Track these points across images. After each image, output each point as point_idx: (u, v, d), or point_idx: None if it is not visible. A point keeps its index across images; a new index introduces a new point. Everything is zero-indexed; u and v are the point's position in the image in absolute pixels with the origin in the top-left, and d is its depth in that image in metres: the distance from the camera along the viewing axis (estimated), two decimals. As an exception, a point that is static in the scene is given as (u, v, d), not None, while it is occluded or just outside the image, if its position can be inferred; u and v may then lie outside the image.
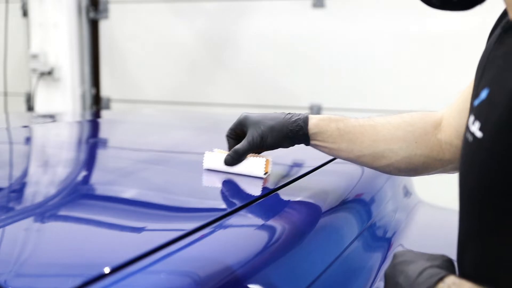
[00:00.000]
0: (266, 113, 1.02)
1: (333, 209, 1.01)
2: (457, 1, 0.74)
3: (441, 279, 0.61)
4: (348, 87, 3.08)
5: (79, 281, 0.55)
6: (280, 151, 1.06)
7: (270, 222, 0.84)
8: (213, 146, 1.09)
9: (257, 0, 3.26)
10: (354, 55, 3.05)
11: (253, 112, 1.03)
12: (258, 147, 1.01)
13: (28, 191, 0.95)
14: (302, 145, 1.03)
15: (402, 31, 2.91)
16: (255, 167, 1.03)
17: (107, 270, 0.58)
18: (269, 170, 1.06)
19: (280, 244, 0.79)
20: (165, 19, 3.48)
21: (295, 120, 0.99)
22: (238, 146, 1.02)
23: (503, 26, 0.67)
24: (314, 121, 0.98)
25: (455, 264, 0.67)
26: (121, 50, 3.62)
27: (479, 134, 0.63)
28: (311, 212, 0.94)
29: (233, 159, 1.02)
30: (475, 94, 0.70)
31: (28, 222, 0.76)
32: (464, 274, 0.68)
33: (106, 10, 3.60)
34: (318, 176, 1.12)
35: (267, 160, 1.04)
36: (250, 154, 1.04)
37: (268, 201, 0.91)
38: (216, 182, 1.05)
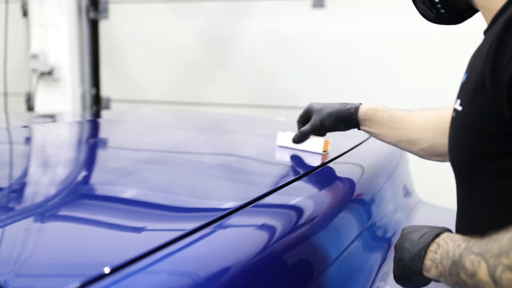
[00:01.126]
0: (327, 103, 1.23)
1: (333, 209, 1.01)
2: (448, 17, 0.91)
3: (437, 235, 0.74)
4: (348, 87, 3.08)
5: (79, 281, 0.55)
6: (281, 151, 1.06)
7: (271, 222, 0.84)
8: (213, 145, 1.09)
9: (257, 0, 3.26)
10: (354, 55, 3.05)
11: (319, 102, 1.24)
12: (319, 129, 1.23)
13: (28, 191, 0.95)
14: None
15: (402, 31, 2.91)
16: (316, 145, 1.27)
17: (107, 270, 0.58)
18: (328, 149, 1.29)
19: (280, 244, 0.79)
20: (165, 19, 3.48)
21: (348, 108, 1.19)
22: (303, 128, 1.26)
23: (483, 31, 0.81)
24: (363, 110, 1.18)
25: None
26: (121, 50, 3.62)
27: (459, 108, 0.78)
28: (311, 212, 0.94)
29: (299, 138, 1.27)
30: None
31: (28, 222, 0.76)
32: None
33: (106, 10, 3.60)
34: (318, 176, 1.12)
35: (326, 141, 1.27)
36: (314, 135, 1.26)
37: (268, 201, 0.91)
38: (221, 179, 1.05)
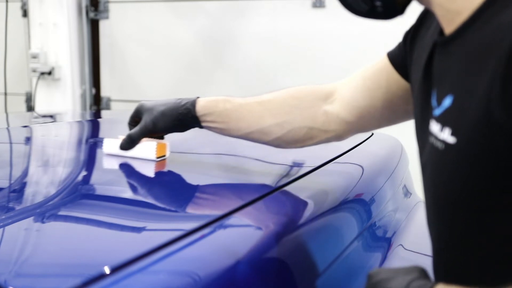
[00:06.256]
0: (160, 100, 1.07)
1: (333, 209, 1.01)
2: (382, 11, 0.78)
3: None
4: (348, 87, 3.08)
5: (79, 281, 0.55)
6: (282, 151, 1.06)
7: (270, 222, 0.84)
8: (212, 145, 1.09)
9: (257, 0, 3.26)
10: (354, 55, 3.05)
11: (151, 100, 1.08)
12: (151, 132, 1.06)
13: (28, 191, 0.95)
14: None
15: (402, 31, 2.91)
16: (147, 151, 1.09)
17: (107, 270, 0.58)
18: (167, 153, 1.13)
19: (280, 244, 0.79)
20: (165, 19, 3.47)
21: (184, 104, 1.04)
22: (131, 132, 1.08)
23: (437, 40, 0.70)
24: (201, 103, 1.03)
25: (429, 273, 0.67)
26: (121, 50, 3.62)
27: (451, 140, 0.64)
28: (311, 212, 0.94)
29: (128, 144, 1.09)
30: (423, 104, 0.73)
31: (28, 222, 0.76)
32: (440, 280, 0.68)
33: (106, 10, 3.60)
34: (318, 176, 1.12)
35: (159, 144, 1.10)
36: (147, 139, 1.10)
37: (269, 201, 0.91)
38: (221, 179, 1.05)
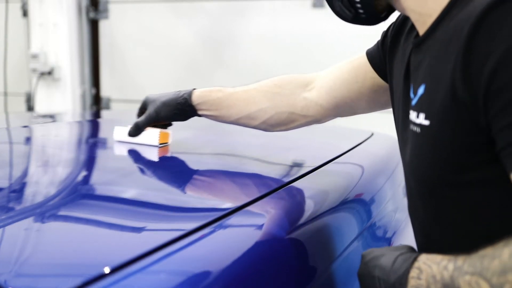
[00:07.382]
0: (164, 92, 1.20)
1: (333, 209, 1.01)
2: (366, 18, 0.87)
3: (415, 259, 0.69)
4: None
5: (79, 281, 0.55)
6: (282, 151, 1.07)
7: (270, 222, 0.84)
8: (213, 145, 1.09)
9: (257, 0, 3.26)
10: (354, 55, 3.05)
11: (155, 94, 1.21)
12: (154, 120, 1.19)
13: (28, 191, 0.95)
14: (302, 144, 1.04)
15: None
16: (151, 138, 1.22)
17: (107, 270, 0.58)
18: (169, 141, 1.24)
19: (280, 244, 0.79)
20: (165, 19, 3.48)
21: (182, 95, 1.17)
22: (138, 120, 1.21)
23: (413, 42, 0.80)
24: (197, 93, 1.17)
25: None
26: (121, 50, 3.62)
27: (426, 122, 0.72)
28: (311, 212, 0.94)
29: (134, 131, 1.21)
30: (404, 101, 0.81)
31: (28, 222, 0.76)
32: None
33: (106, 10, 3.60)
34: (318, 176, 1.12)
35: (162, 133, 1.22)
36: (151, 128, 1.22)
37: (269, 201, 0.91)
38: (221, 179, 1.05)
